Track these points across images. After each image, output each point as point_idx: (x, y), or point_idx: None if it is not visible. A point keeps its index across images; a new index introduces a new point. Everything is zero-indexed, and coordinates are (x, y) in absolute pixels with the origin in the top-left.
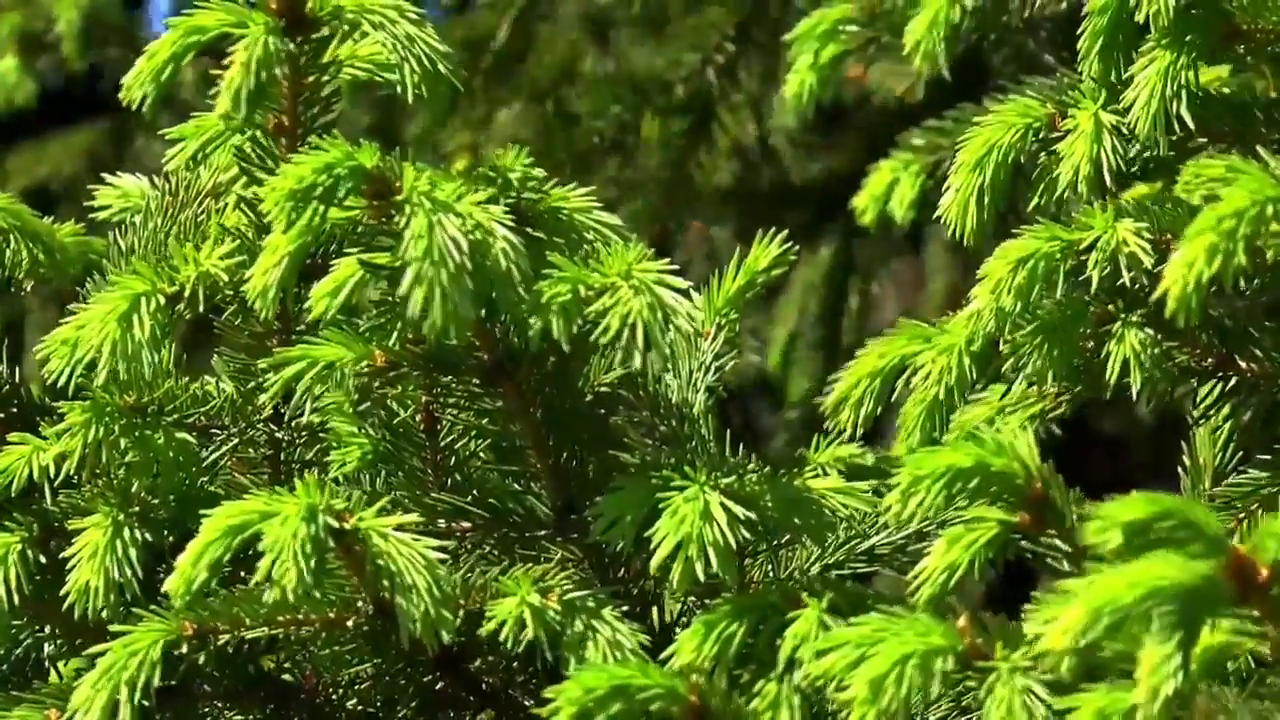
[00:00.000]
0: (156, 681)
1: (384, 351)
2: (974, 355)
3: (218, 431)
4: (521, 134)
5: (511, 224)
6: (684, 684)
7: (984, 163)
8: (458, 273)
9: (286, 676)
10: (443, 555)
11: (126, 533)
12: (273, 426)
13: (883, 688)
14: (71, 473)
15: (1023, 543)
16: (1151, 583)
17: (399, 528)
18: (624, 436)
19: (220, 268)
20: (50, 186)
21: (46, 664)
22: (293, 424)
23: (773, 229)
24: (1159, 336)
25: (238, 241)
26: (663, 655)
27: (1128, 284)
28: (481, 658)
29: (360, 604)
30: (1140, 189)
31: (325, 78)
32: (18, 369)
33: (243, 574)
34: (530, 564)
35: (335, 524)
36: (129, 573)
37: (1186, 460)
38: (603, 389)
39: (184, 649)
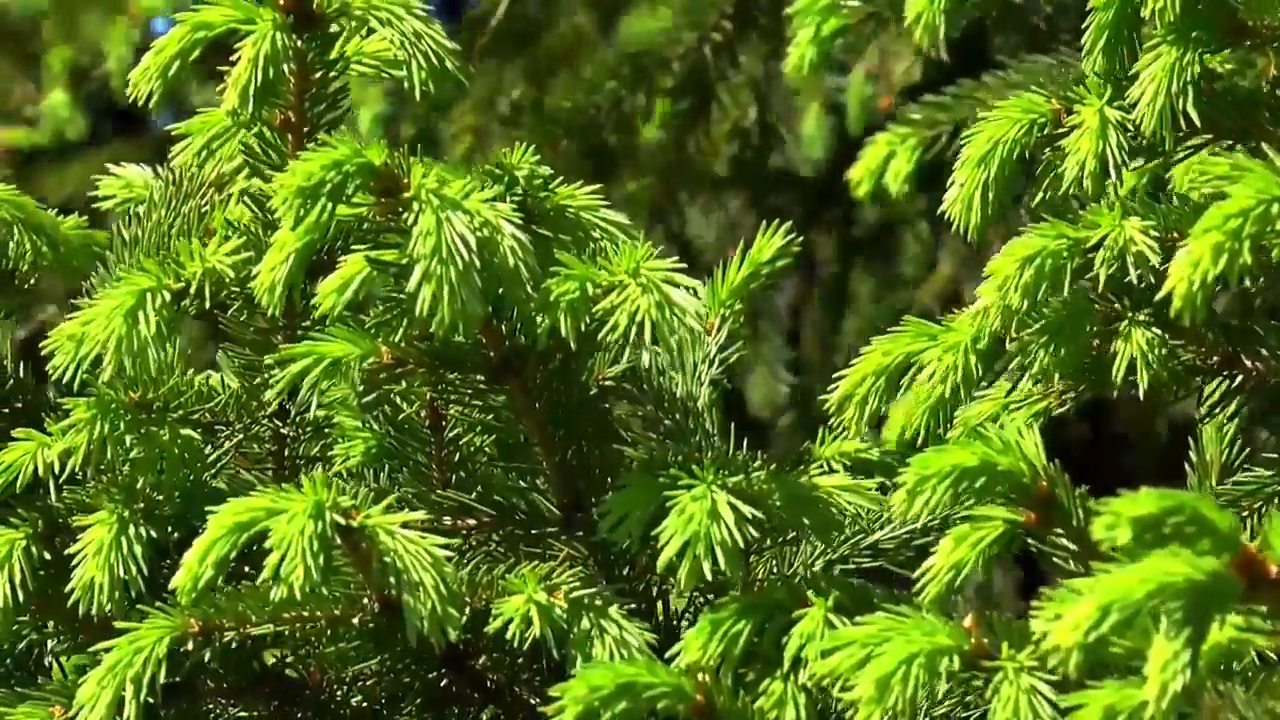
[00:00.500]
0: (162, 679)
1: (390, 348)
2: (980, 353)
3: (222, 427)
4: (522, 118)
5: (519, 221)
6: (690, 682)
7: (989, 158)
8: (466, 270)
9: (291, 673)
10: (449, 553)
11: (131, 529)
12: (277, 422)
13: (889, 687)
14: (77, 469)
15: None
16: (1161, 578)
17: (405, 525)
18: (628, 430)
19: (226, 264)
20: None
21: (50, 660)
22: (297, 419)
23: (775, 219)
24: (1165, 335)
25: (244, 238)
26: (669, 653)
27: (1134, 282)
28: (486, 654)
29: (366, 601)
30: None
31: (332, 74)
32: (22, 363)
33: (247, 569)
34: (536, 561)
35: (342, 521)
36: (134, 569)
37: (1193, 457)
38: (607, 382)
39: (189, 646)
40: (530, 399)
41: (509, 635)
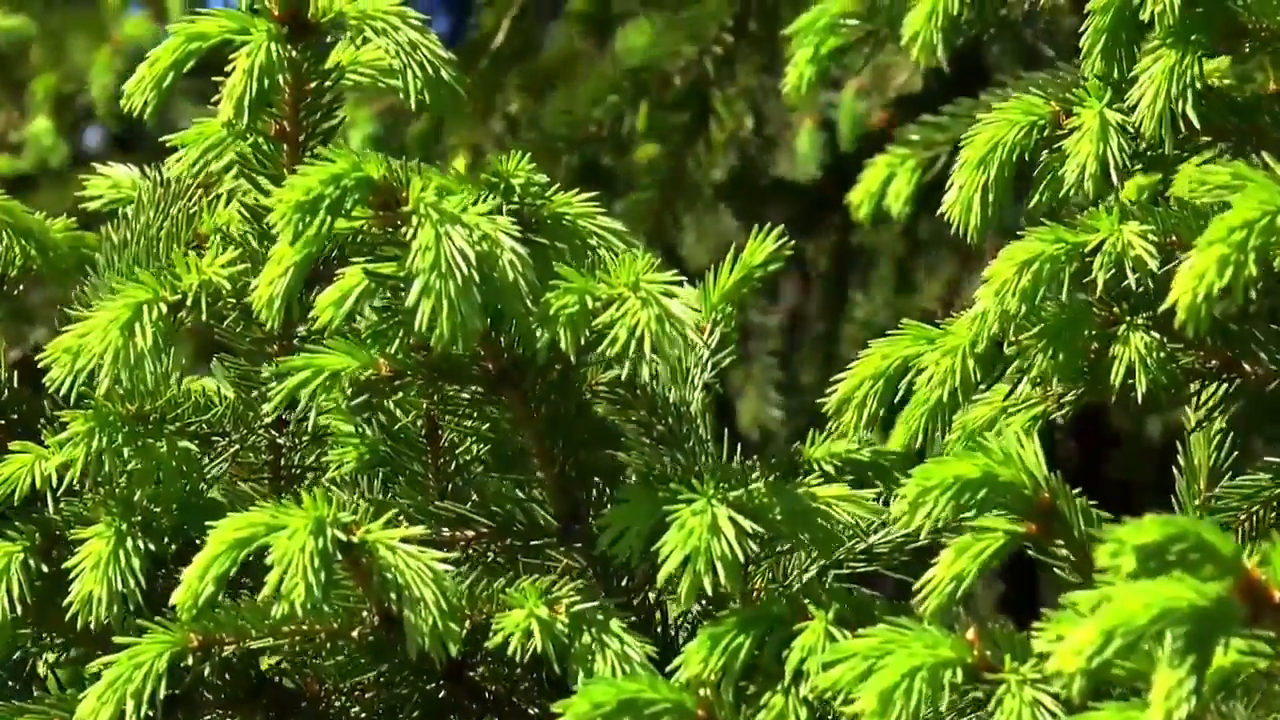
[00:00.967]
0: (162, 693)
1: (388, 360)
2: (978, 357)
3: (219, 438)
4: (520, 132)
5: (518, 234)
6: (692, 698)
7: (988, 160)
8: (465, 285)
9: (288, 684)
10: (449, 567)
11: (129, 542)
12: (274, 432)
13: (892, 700)
14: (74, 481)
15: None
16: (1164, 604)
17: (405, 540)
18: (621, 436)
19: (223, 276)
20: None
21: (47, 673)
22: (293, 429)
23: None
24: (1164, 339)
25: (240, 250)
26: (669, 667)
27: (1133, 286)
28: (485, 666)
29: (365, 614)
30: (1140, 179)
31: (327, 84)
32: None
33: (245, 579)
34: (535, 574)
35: (343, 537)
36: (132, 583)
37: (1182, 461)
38: (600, 388)
39: (189, 661)
40: (528, 410)
41: (511, 650)
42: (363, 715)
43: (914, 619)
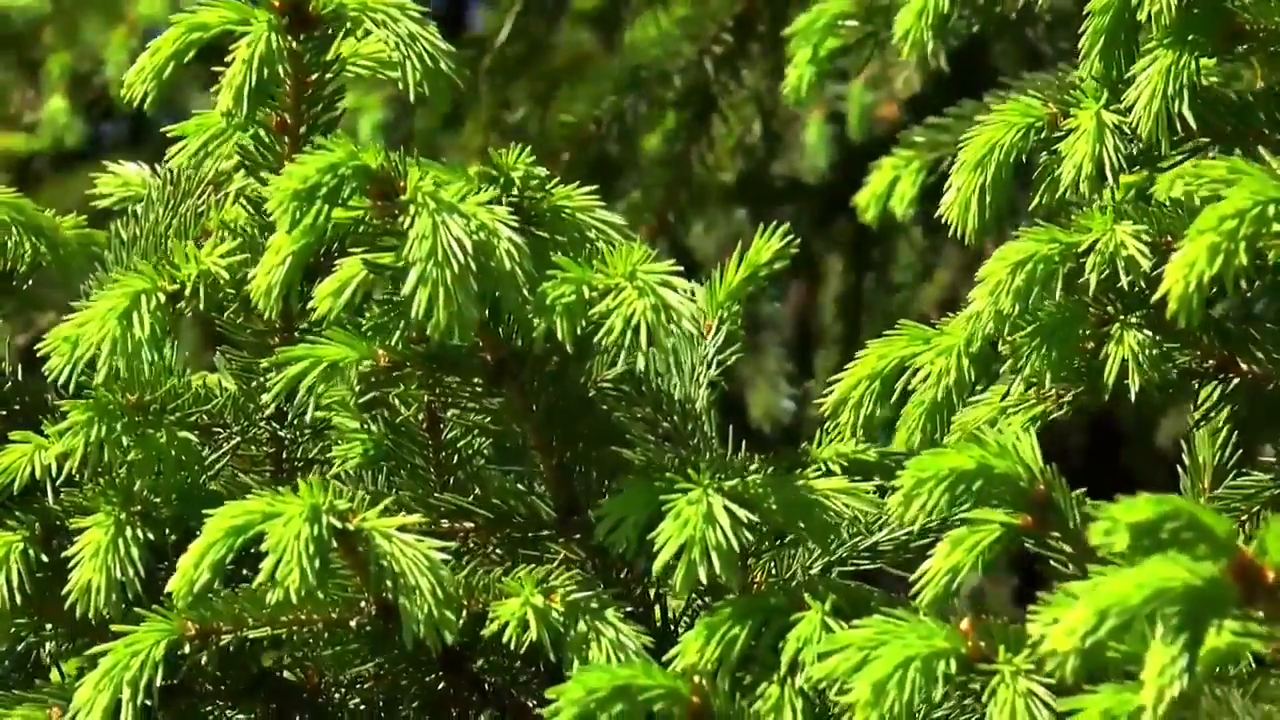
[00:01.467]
0: (159, 682)
1: (387, 351)
2: (973, 357)
3: (220, 430)
4: (525, 133)
5: (516, 224)
6: (686, 685)
7: (985, 162)
8: (462, 274)
9: (288, 675)
10: (446, 556)
11: (128, 532)
12: (275, 424)
13: (885, 690)
14: (74, 471)
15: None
16: (1158, 584)
17: (402, 528)
18: (626, 433)
19: (221, 265)
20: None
21: (48, 662)
22: (295, 422)
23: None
24: (1158, 338)
25: (239, 240)
26: (666, 657)
27: (1126, 286)
28: (484, 657)
29: (363, 604)
30: (1128, 177)
31: (328, 75)
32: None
33: (245, 571)
34: (533, 564)
35: (339, 524)
36: (131, 572)
37: (1186, 460)
38: (605, 385)
39: (186, 649)
40: (527, 402)
41: (506, 639)
42: (362, 707)
43: (910, 610)
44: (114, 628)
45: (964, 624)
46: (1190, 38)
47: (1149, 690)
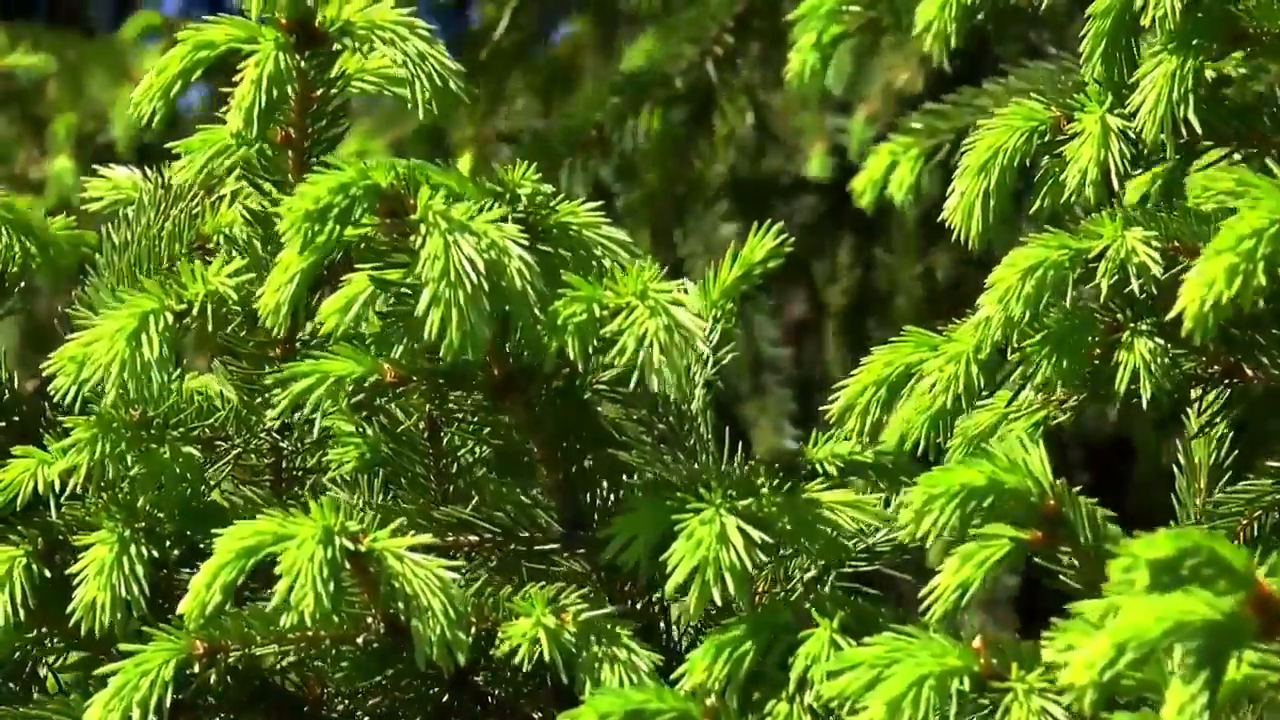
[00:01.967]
0: (168, 701)
1: (392, 366)
2: (981, 363)
3: (222, 443)
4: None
5: (526, 242)
6: (698, 707)
7: (989, 166)
8: (474, 293)
9: (292, 688)
10: (455, 575)
11: (133, 549)
12: (276, 435)
13: (900, 709)
14: (77, 486)
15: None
16: (1177, 616)
17: (412, 548)
18: (623, 435)
19: (229, 285)
20: None
21: (50, 677)
22: (295, 433)
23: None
24: (1168, 345)
25: (245, 259)
26: (673, 675)
27: (1136, 292)
28: (490, 672)
29: (370, 620)
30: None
31: (333, 91)
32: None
33: (252, 585)
34: (541, 581)
35: (351, 546)
36: (135, 589)
37: (1181, 458)
38: (600, 386)
39: (195, 668)
40: (533, 416)
41: (518, 660)
42: None
43: (919, 627)
44: (122, 647)
45: (976, 641)
46: (1194, 41)
47: None
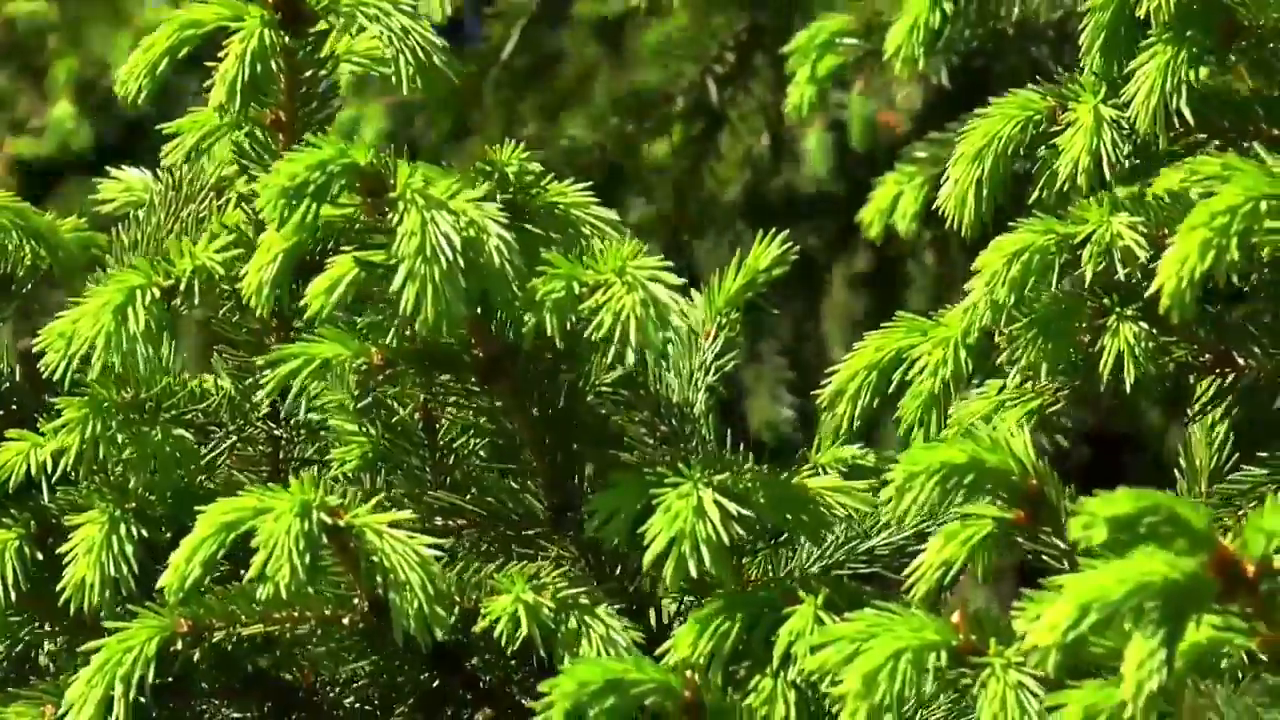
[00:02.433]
0: (151, 678)
1: (380, 349)
2: (970, 348)
3: (216, 429)
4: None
5: (506, 220)
6: (679, 679)
7: (983, 154)
8: (450, 270)
9: (283, 674)
10: (438, 553)
11: (123, 529)
12: (271, 424)
13: (875, 682)
14: (69, 469)
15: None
16: (1138, 578)
17: (393, 525)
18: (624, 436)
19: (216, 261)
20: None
21: (43, 659)
22: (291, 422)
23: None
24: (1154, 331)
25: (234, 236)
26: (658, 651)
27: (1122, 278)
28: (478, 655)
29: (356, 601)
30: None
31: (322, 72)
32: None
33: (242, 571)
34: (526, 562)
35: (329, 520)
36: (125, 569)
37: (1182, 459)
38: (604, 388)
39: (179, 646)
40: (520, 399)
41: (497, 634)
42: (357, 705)
43: (901, 604)
44: (106, 624)
45: (955, 617)
46: (1189, 34)
47: (1128, 683)
